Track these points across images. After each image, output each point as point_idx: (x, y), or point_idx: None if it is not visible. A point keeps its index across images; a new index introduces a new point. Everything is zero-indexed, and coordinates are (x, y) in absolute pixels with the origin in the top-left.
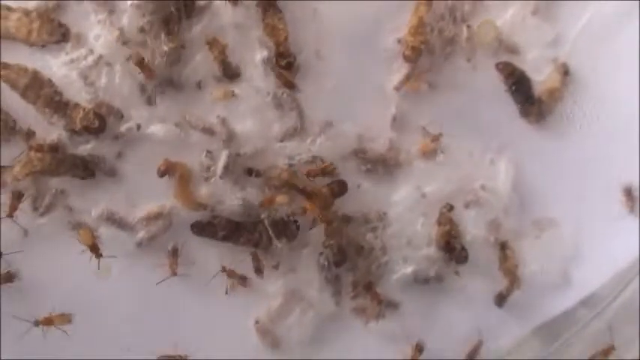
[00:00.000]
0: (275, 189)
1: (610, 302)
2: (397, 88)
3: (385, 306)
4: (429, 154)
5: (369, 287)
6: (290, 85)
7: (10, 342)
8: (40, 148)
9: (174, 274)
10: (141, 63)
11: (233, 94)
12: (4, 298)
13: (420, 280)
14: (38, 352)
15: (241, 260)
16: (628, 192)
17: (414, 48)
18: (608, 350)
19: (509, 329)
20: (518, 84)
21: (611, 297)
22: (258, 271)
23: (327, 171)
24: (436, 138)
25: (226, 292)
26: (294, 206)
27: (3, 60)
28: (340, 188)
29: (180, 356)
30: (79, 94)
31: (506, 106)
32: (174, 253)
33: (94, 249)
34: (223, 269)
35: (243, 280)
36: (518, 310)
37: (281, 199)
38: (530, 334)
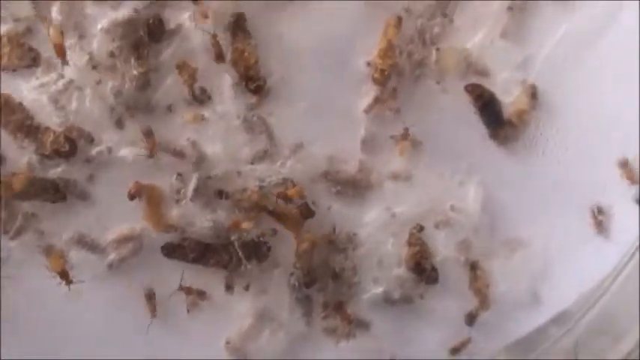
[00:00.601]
0: (245, 211)
1: (579, 319)
2: (366, 111)
3: (356, 326)
4: (403, 168)
5: (339, 307)
6: (221, 58)
7: None
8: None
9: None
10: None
11: (203, 118)
12: None
13: (391, 300)
14: None
15: (207, 281)
16: (595, 213)
17: (382, 71)
18: None
19: (480, 348)
20: (488, 106)
21: (580, 314)
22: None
23: (293, 197)
24: (406, 133)
25: (188, 311)
26: (264, 228)
27: None
28: (308, 211)
29: None
30: (49, 118)
31: (476, 128)
32: (151, 297)
33: (64, 275)
34: (180, 287)
35: (201, 295)
36: (488, 328)
37: (247, 225)
38: (501, 351)
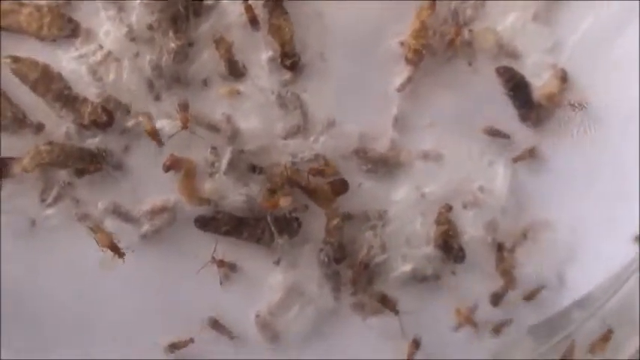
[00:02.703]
0: (277, 186)
1: (604, 303)
2: (399, 90)
3: (383, 303)
4: None
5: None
6: (255, 22)
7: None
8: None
9: (185, 127)
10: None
11: (238, 92)
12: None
13: (418, 279)
14: (42, 343)
15: (239, 255)
16: (622, 195)
17: (416, 51)
18: (607, 335)
19: (504, 329)
20: (518, 88)
21: (605, 298)
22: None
23: (327, 174)
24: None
25: (220, 283)
26: (295, 203)
27: (14, 54)
28: (341, 187)
29: (186, 340)
30: (87, 88)
31: (506, 110)
32: (184, 107)
33: (114, 248)
34: (213, 259)
35: (232, 267)
36: (513, 309)
37: (284, 201)
38: (525, 333)
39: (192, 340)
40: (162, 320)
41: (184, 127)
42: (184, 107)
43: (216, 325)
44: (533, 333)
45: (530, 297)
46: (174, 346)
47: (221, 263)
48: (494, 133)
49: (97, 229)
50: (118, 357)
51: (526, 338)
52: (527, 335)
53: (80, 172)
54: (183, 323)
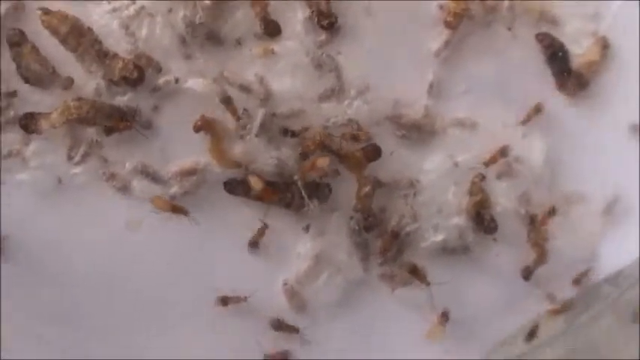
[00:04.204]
0: (309, 150)
1: (636, 281)
2: (436, 55)
3: (414, 274)
4: None
5: (414, 270)
6: None
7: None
8: None
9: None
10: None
11: (273, 52)
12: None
13: (449, 250)
14: (68, 304)
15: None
16: None
17: (455, 14)
18: None
19: (535, 303)
20: (557, 55)
21: (637, 276)
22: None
23: (360, 139)
24: None
25: (252, 246)
26: (327, 168)
27: (45, 6)
28: (374, 153)
29: (239, 297)
30: (118, 44)
31: (544, 78)
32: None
33: (178, 209)
34: (262, 228)
35: (261, 233)
36: (544, 283)
37: (322, 162)
38: (555, 308)
39: (245, 299)
40: (187, 283)
41: (236, 119)
42: (228, 101)
43: (280, 326)
44: (564, 309)
45: (577, 281)
46: (225, 301)
47: (261, 231)
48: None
49: (154, 198)
50: (143, 318)
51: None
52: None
53: (109, 130)
54: (208, 286)
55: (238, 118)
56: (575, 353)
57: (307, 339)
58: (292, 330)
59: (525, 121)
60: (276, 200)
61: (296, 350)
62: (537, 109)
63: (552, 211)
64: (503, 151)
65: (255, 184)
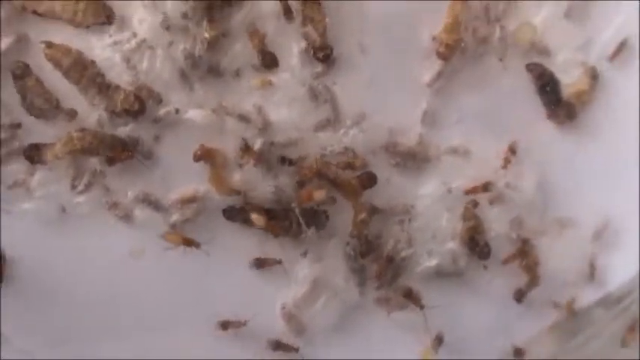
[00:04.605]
0: (307, 179)
1: (629, 304)
2: (429, 85)
3: (409, 298)
4: None
5: (409, 294)
6: (288, 12)
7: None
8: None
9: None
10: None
11: (270, 83)
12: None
13: (443, 274)
14: (69, 332)
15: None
16: None
17: (448, 45)
18: (634, 325)
19: (527, 325)
20: (548, 85)
21: (629, 299)
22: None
23: (356, 167)
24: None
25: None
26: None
27: (48, 39)
28: (370, 180)
29: (239, 321)
30: (120, 76)
31: (534, 107)
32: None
33: (190, 242)
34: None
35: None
36: (536, 306)
37: (318, 194)
38: (547, 331)
39: (244, 323)
40: (188, 308)
41: (256, 163)
42: (246, 147)
43: (278, 345)
44: (555, 331)
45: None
46: (225, 325)
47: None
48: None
49: (166, 233)
50: (145, 344)
51: (548, 336)
52: (549, 334)
53: (111, 160)
54: (208, 313)
55: (282, 161)
56: None
57: (307, 353)
58: (291, 349)
59: (505, 165)
60: (277, 230)
61: None
62: (512, 150)
63: (486, 187)
64: (486, 187)
65: (257, 220)
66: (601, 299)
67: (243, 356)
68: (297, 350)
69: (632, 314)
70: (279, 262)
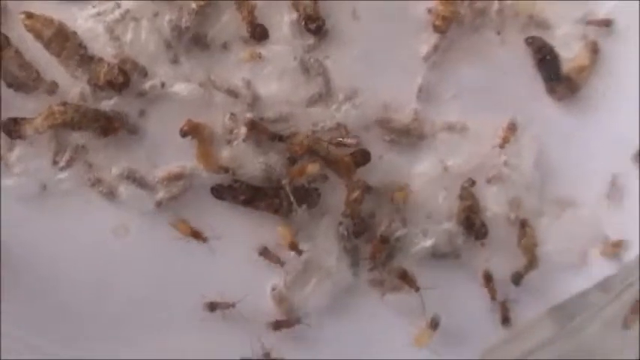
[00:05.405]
0: (297, 155)
1: (626, 287)
2: (425, 59)
3: (404, 280)
4: None
5: (404, 276)
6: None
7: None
8: None
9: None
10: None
11: (259, 56)
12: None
13: (438, 255)
14: (52, 311)
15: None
16: None
17: (444, 18)
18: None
19: (524, 308)
20: (547, 60)
21: (627, 282)
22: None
23: (348, 143)
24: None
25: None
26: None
27: (28, 10)
28: (363, 157)
29: (227, 303)
30: (103, 48)
31: (533, 82)
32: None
33: (197, 235)
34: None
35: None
36: (534, 289)
37: (312, 168)
38: (544, 314)
39: (233, 305)
40: (174, 288)
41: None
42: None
43: (265, 253)
44: (552, 314)
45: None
46: (213, 306)
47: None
48: None
49: (177, 221)
50: (131, 323)
51: (545, 320)
52: (547, 317)
53: (105, 132)
54: (195, 292)
55: (273, 137)
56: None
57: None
58: (292, 324)
59: (503, 144)
60: (265, 206)
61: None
62: (511, 128)
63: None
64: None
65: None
66: (599, 282)
67: (232, 339)
68: (299, 322)
69: (631, 297)
70: (282, 264)
